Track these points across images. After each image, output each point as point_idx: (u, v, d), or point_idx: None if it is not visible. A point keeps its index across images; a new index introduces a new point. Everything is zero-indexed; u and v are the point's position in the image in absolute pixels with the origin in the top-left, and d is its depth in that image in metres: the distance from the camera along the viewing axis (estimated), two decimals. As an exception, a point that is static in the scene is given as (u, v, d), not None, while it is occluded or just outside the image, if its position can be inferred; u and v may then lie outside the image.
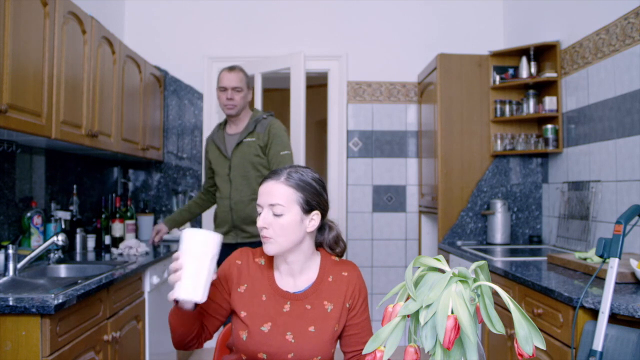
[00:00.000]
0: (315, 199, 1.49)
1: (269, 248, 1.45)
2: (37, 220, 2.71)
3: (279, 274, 1.53)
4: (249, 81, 2.98)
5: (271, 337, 1.44)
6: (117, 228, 3.35)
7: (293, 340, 1.44)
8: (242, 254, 1.56)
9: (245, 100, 2.93)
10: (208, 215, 4.11)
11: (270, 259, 1.55)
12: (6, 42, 1.99)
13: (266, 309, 1.47)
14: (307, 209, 1.48)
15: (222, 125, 3.04)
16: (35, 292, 1.85)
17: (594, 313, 1.76)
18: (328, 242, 1.60)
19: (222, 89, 2.90)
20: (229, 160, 2.91)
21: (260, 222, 1.44)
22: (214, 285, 1.47)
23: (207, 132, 4.16)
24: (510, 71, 3.53)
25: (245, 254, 1.56)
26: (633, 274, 2.00)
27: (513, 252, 3.10)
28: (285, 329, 1.45)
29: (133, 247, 3.00)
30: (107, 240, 3.29)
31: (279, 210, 1.43)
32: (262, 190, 1.47)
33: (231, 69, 2.93)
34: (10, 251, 2.21)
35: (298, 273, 1.52)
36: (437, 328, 0.83)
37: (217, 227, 2.99)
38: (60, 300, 1.74)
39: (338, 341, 1.53)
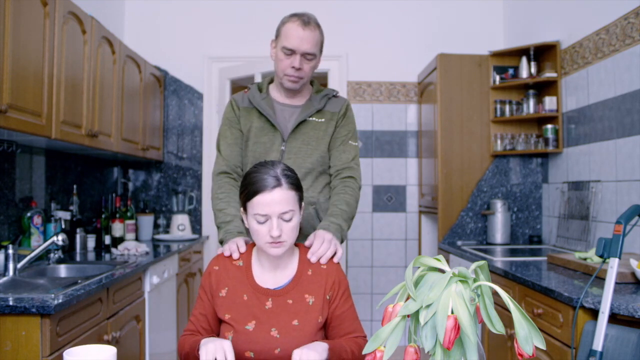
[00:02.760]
0: (302, 191, 1.52)
1: (280, 251, 1.45)
2: (37, 220, 2.71)
3: (260, 271, 1.53)
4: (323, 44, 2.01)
5: (256, 335, 1.44)
6: (117, 228, 3.35)
7: (278, 336, 1.44)
8: (218, 259, 1.57)
9: (314, 71, 2.01)
10: (208, 213, 4.10)
11: (248, 259, 1.55)
12: (6, 42, 1.99)
13: (249, 307, 1.47)
14: (300, 203, 1.50)
15: (264, 88, 2.03)
16: (35, 292, 1.85)
17: (594, 313, 1.76)
18: None
19: (287, 51, 1.90)
20: (283, 142, 1.96)
21: (275, 232, 1.41)
22: (200, 299, 1.53)
23: (207, 132, 4.15)
24: (510, 71, 3.53)
25: (222, 258, 1.56)
26: (633, 274, 2.00)
27: (513, 252, 3.10)
28: (269, 326, 1.45)
29: (131, 249, 2.99)
30: (107, 240, 3.29)
31: (289, 216, 1.44)
32: (268, 200, 1.42)
33: (306, 23, 1.89)
34: (10, 251, 2.21)
35: (282, 267, 1.52)
36: (437, 328, 0.83)
37: None
38: (60, 300, 1.74)
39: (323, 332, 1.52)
